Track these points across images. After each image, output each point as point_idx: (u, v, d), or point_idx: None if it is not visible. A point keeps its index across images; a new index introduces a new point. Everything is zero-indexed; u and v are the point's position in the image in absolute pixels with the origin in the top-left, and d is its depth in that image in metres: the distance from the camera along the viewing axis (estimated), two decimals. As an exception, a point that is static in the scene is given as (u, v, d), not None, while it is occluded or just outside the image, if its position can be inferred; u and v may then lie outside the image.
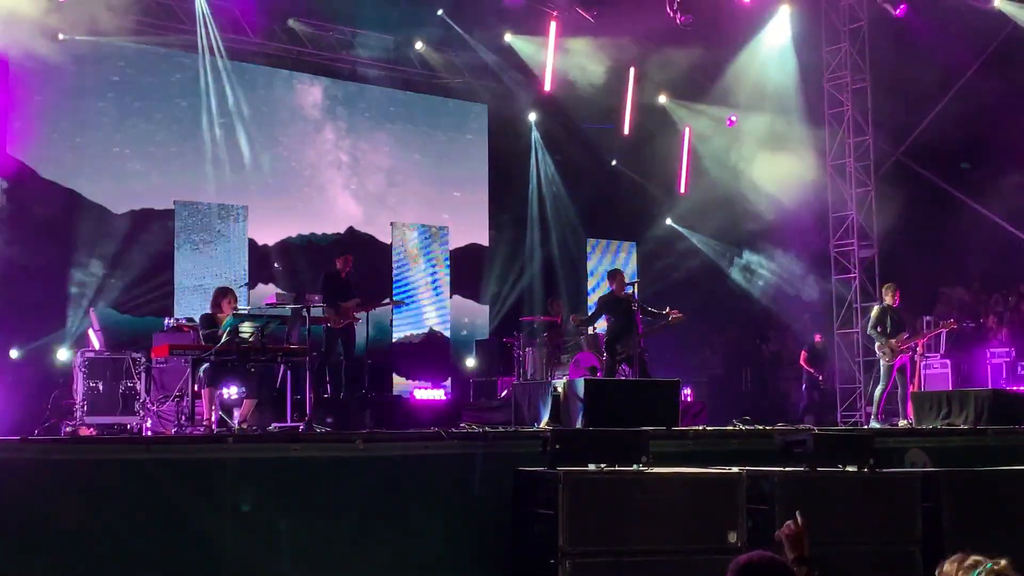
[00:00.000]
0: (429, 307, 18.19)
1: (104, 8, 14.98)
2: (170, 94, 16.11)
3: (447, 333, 18.27)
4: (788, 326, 19.88)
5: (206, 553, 7.14)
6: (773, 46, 18.41)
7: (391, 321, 17.15)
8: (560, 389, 10.48)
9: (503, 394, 15.04)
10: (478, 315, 18.86)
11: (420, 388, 17.21)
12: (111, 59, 15.55)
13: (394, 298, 16.95)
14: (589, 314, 13.86)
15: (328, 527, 7.51)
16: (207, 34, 15.92)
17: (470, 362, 17.72)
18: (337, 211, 17.54)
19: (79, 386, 10.61)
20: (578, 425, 9.40)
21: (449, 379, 17.75)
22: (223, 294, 10.74)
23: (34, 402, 12.49)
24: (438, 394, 16.62)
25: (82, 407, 10.52)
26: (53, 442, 7.97)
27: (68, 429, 10.40)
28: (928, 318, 15.85)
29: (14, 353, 14.06)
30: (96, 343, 11.56)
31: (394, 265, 17.83)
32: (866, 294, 17.65)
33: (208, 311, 10.80)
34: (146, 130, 15.77)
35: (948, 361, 16.00)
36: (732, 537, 7.14)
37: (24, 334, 14.22)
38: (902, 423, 12.56)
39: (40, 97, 14.97)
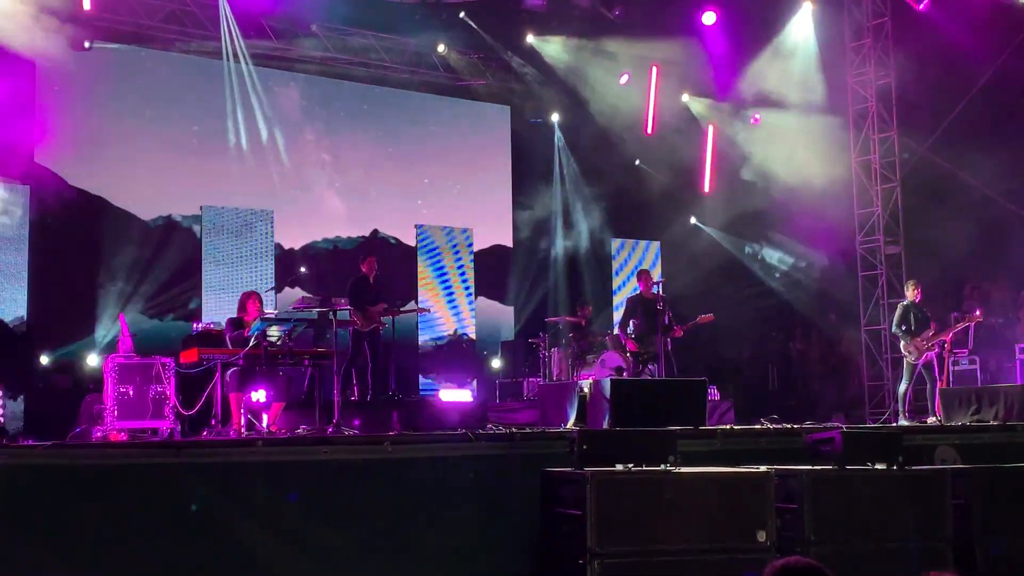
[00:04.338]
0: (454, 309, 18.23)
1: (129, 16, 15.13)
2: (195, 99, 16.21)
3: (472, 334, 18.31)
4: (815, 324, 19.80)
5: (237, 556, 7.19)
6: (796, 43, 18.36)
7: (416, 323, 17.23)
8: (586, 390, 10.51)
9: (529, 395, 15.08)
10: (503, 316, 18.89)
11: (446, 390, 17.23)
12: (136, 66, 15.67)
13: (419, 303, 17.01)
14: (621, 318, 13.87)
15: (357, 529, 7.55)
16: (231, 39, 16.01)
17: (495, 363, 17.76)
18: (361, 214, 17.61)
19: (109, 391, 10.68)
20: (605, 425, 9.42)
21: (475, 380, 17.76)
22: (248, 297, 10.88)
23: (65, 408, 12.62)
24: (464, 395, 16.64)
25: (112, 412, 10.59)
26: (85, 447, 8.06)
27: (99, 434, 10.49)
28: (955, 314, 15.74)
29: (44, 359, 14.19)
30: (126, 348, 11.62)
31: (419, 267, 17.88)
32: (893, 291, 17.57)
33: (235, 315, 10.92)
34: (171, 136, 15.86)
35: (977, 357, 15.90)
36: (761, 536, 7.12)
37: (54, 341, 14.37)
38: (931, 420, 12.51)
39: (66, 104, 15.09)
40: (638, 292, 13.81)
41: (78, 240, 15.00)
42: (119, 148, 15.39)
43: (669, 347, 13.22)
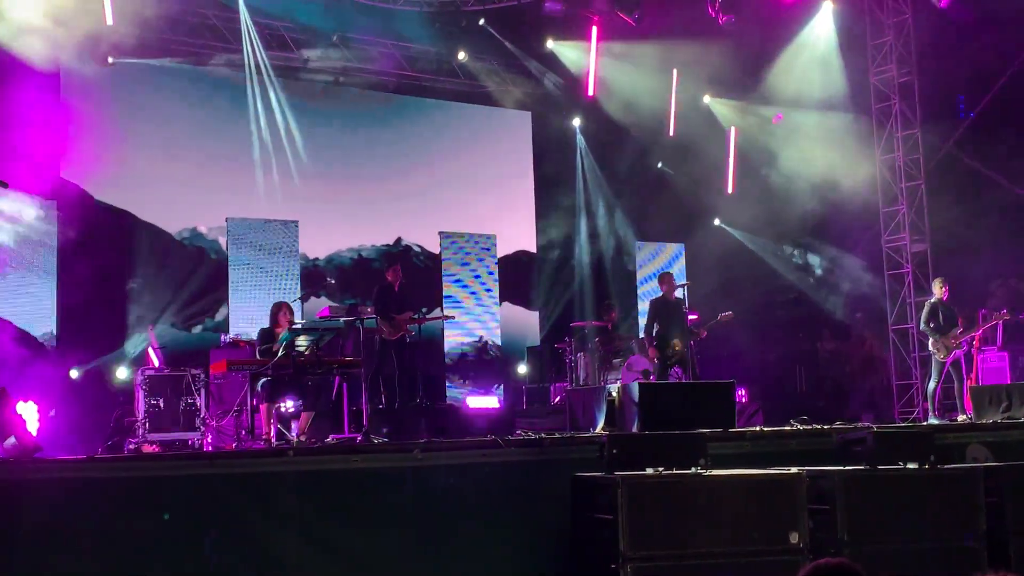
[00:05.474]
0: (479, 315, 18.25)
1: (151, 30, 15.24)
2: (218, 112, 16.30)
3: (498, 340, 18.33)
4: (843, 323, 19.71)
5: (270, 565, 7.23)
6: (817, 42, 18.30)
7: (442, 330, 17.26)
8: (614, 394, 10.50)
9: (556, 400, 15.08)
10: (528, 322, 18.89)
11: (473, 396, 17.26)
12: (159, 80, 15.73)
13: (444, 310, 17.08)
14: (645, 322, 13.91)
15: (388, 536, 7.57)
16: (253, 52, 16.10)
17: (522, 369, 17.74)
18: (386, 222, 17.65)
19: (140, 404, 10.77)
20: (634, 429, 9.42)
21: (502, 386, 17.80)
22: (279, 308, 10.96)
23: (96, 421, 12.73)
24: (491, 402, 16.66)
25: (144, 424, 10.68)
26: (118, 460, 8.13)
27: (131, 446, 10.58)
28: (983, 311, 15.66)
29: (74, 373, 14.30)
30: (155, 361, 11.74)
31: (444, 274, 17.93)
32: (919, 289, 17.47)
33: (266, 326, 10.99)
34: (195, 148, 15.94)
35: (1006, 354, 15.80)
36: (794, 538, 7.11)
37: (84, 354, 14.47)
38: (961, 418, 12.45)
39: (91, 120, 15.16)
40: (661, 295, 13.82)
41: (106, 254, 15.10)
42: (144, 162, 15.47)
43: (693, 349, 13.22)
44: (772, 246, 20.24)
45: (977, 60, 16.76)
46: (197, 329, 15.53)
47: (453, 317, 16.45)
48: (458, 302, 17.98)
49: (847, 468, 7.63)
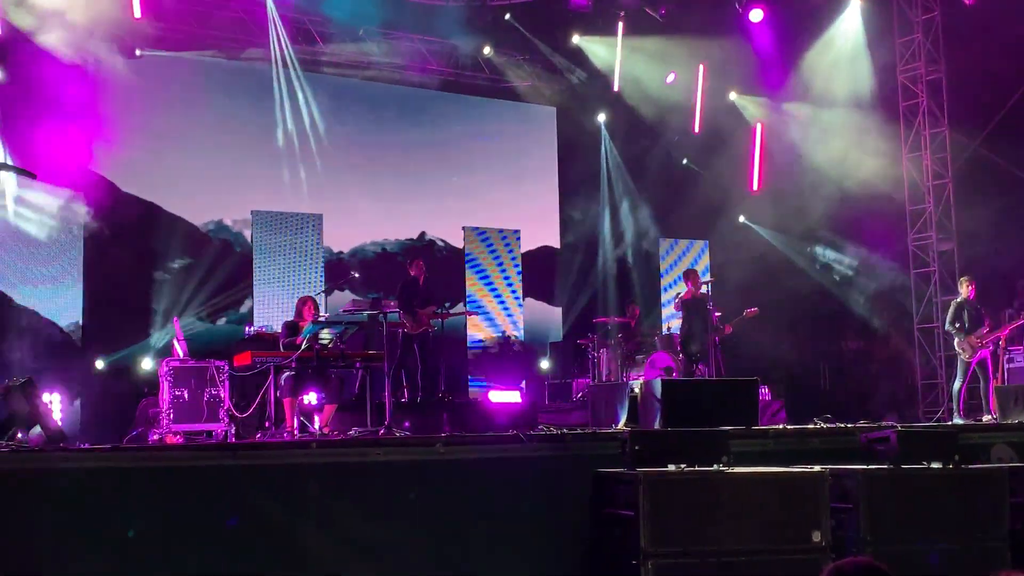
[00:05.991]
0: (502, 310, 18.26)
1: (178, 23, 15.32)
2: (244, 105, 16.37)
3: (521, 335, 18.33)
4: (868, 322, 19.61)
5: (292, 557, 7.25)
6: (845, 39, 18.19)
7: (465, 325, 17.28)
8: (637, 390, 10.48)
9: (578, 396, 15.08)
10: (551, 317, 18.89)
11: (495, 391, 17.25)
12: (185, 72, 15.83)
13: (467, 306, 17.11)
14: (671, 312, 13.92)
15: (409, 530, 7.58)
16: (280, 45, 16.17)
17: (544, 364, 17.76)
18: (410, 216, 17.69)
19: (165, 394, 10.83)
20: (656, 426, 9.40)
21: (524, 381, 17.78)
22: (304, 302, 11.05)
23: (121, 411, 12.82)
24: (514, 397, 16.66)
25: (168, 415, 10.74)
26: (142, 450, 8.17)
27: (155, 437, 10.64)
28: (1009, 311, 15.53)
29: (100, 364, 14.41)
30: (180, 352, 11.80)
31: (467, 269, 17.94)
32: (946, 288, 17.37)
33: (291, 319, 11.06)
34: (221, 141, 16.04)
35: (1032, 354, 15.67)
36: (816, 536, 7.07)
37: (109, 345, 14.58)
38: (986, 418, 12.36)
39: (118, 112, 15.23)
40: (686, 292, 13.81)
41: (132, 246, 15.23)
42: (171, 154, 15.56)
43: (718, 346, 13.19)
44: (797, 244, 20.14)
45: (1007, 56, 16.61)
46: (222, 321, 15.63)
47: (476, 314, 16.47)
48: (481, 296, 17.99)
49: (870, 467, 7.59)
